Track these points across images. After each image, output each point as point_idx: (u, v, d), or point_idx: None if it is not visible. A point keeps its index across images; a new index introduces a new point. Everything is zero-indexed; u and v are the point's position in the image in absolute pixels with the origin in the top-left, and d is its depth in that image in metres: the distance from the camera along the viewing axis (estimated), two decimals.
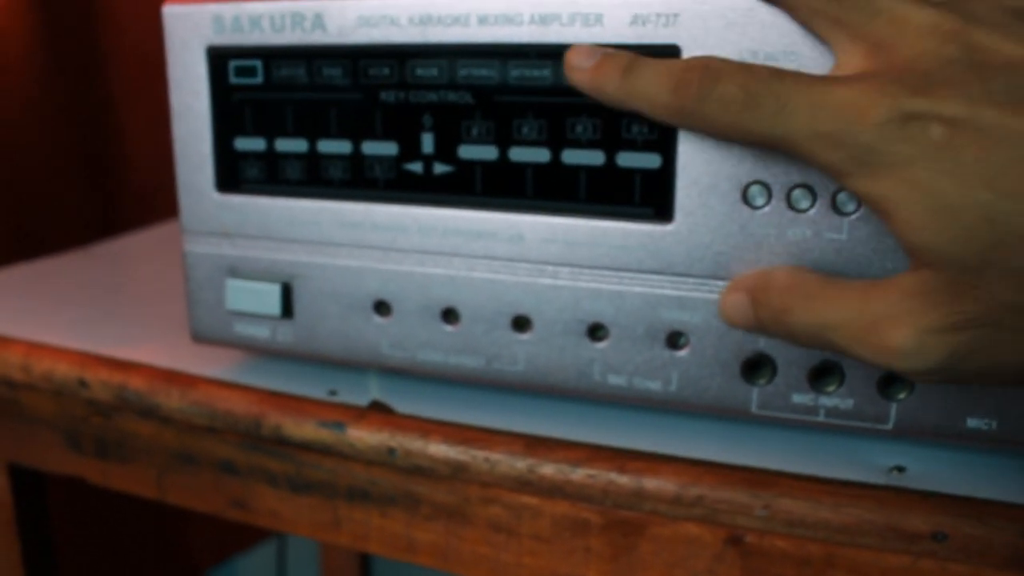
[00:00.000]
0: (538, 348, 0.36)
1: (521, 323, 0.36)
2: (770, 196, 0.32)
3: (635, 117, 0.33)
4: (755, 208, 0.32)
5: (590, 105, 0.33)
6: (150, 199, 0.91)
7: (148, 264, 0.64)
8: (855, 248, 0.31)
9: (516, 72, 0.34)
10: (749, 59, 0.31)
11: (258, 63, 0.38)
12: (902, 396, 0.32)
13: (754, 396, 0.34)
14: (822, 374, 0.33)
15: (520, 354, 0.37)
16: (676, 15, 0.32)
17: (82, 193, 0.87)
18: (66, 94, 0.85)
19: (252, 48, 0.38)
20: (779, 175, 0.32)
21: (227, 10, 0.38)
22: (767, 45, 0.31)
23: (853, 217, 0.31)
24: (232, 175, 0.39)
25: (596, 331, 0.36)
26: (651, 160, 0.33)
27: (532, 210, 0.35)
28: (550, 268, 0.35)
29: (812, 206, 0.31)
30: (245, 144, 0.39)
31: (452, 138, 0.36)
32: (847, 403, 0.33)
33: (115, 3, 0.88)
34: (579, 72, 0.32)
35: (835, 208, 0.31)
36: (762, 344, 0.33)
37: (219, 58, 0.38)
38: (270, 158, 0.39)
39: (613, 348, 0.35)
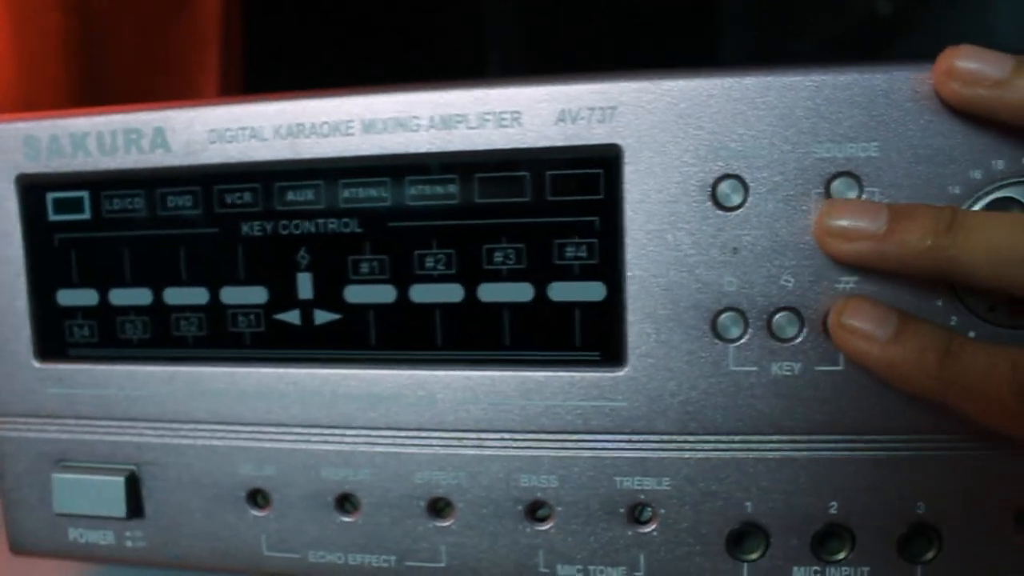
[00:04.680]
0: (464, 537, 0.28)
1: (440, 507, 0.28)
2: (746, 325, 0.25)
3: (568, 238, 0.26)
4: (729, 341, 0.26)
5: (510, 226, 0.26)
6: None
7: None
8: (855, 380, 0.26)
9: (414, 190, 0.27)
10: (710, 159, 0.25)
11: (84, 195, 0.30)
12: (928, 556, 0.26)
13: (745, 574, 0.27)
14: (826, 539, 0.27)
15: (441, 546, 0.28)
16: (612, 108, 0.25)
17: None
18: None
19: (76, 176, 0.30)
20: (756, 298, 0.25)
21: (42, 129, 0.30)
22: (731, 138, 0.25)
23: None
24: (56, 338, 0.31)
25: (537, 510, 0.28)
26: (593, 291, 0.26)
27: (444, 364, 0.28)
28: (472, 436, 0.28)
29: (798, 334, 0.25)
30: (71, 298, 0.30)
31: (336, 278, 0.28)
32: (861, 571, 0.27)
33: None
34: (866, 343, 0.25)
35: (828, 333, 0.25)
36: (750, 510, 0.26)
37: (34, 190, 0.30)
38: (104, 314, 0.30)
39: (560, 530, 0.27)
